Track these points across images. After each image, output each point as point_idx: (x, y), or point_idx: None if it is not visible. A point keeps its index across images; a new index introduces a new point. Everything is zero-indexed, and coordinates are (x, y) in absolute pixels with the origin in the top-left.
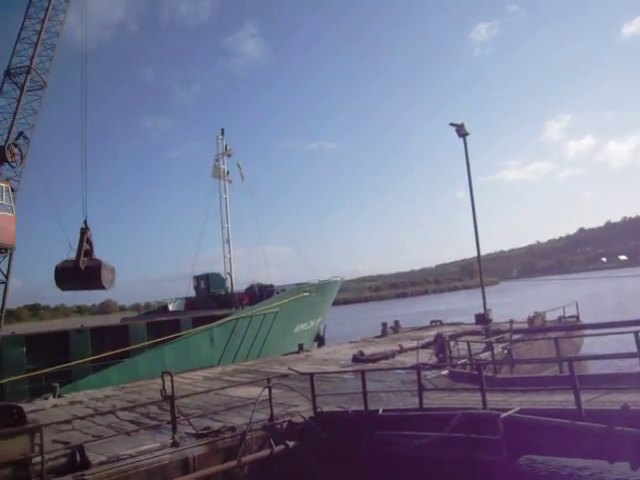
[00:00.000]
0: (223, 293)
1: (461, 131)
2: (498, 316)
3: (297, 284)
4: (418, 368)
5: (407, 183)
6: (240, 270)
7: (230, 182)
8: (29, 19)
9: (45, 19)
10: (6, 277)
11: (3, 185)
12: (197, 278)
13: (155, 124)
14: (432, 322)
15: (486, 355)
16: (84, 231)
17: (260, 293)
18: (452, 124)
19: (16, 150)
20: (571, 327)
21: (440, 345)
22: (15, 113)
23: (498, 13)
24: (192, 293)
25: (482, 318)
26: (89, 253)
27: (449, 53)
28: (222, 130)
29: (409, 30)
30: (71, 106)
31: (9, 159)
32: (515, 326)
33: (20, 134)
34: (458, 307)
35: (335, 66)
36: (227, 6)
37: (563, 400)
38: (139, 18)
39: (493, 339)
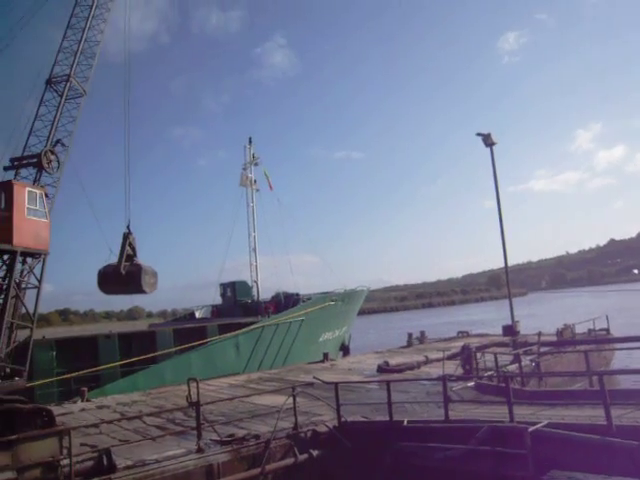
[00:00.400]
0: (249, 301)
1: (488, 141)
2: (526, 328)
3: (323, 293)
4: (444, 379)
5: (434, 193)
6: (266, 278)
7: (257, 191)
8: (71, 29)
9: (85, 28)
10: (39, 282)
11: (37, 191)
12: (223, 286)
13: (185, 133)
14: (459, 333)
15: (513, 367)
16: (126, 236)
17: (286, 301)
18: (479, 134)
19: (53, 157)
20: (601, 340)
21: (466, 356)
22: (54, 121)
23: (527, 22)
24: (218, 301)
25: (510, 330)
26: (131, 258)
27: (477, 62)
28: (250, 139)
29: (437, 38)
30: (100, 114)
31: (45, 166)
32: (543, 338)
33: (57, 141)
34: (485, 318)
35: (362, 75)
36: (256, 18)
37: (593, 415)
38: (170, 30)
39: (521, 351)
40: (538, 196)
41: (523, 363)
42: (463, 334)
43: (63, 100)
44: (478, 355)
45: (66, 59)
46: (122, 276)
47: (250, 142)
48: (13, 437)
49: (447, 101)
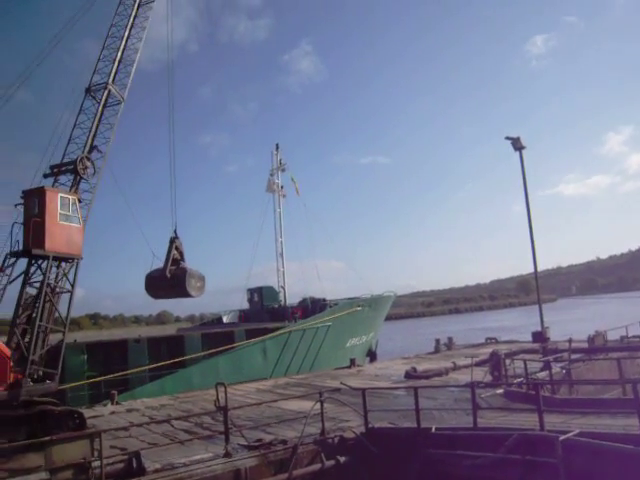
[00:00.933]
0: (276, 306)
1: (517, 145)
2: (556, 334)
3: (350, 298)
4: (472, 386)
5: (462, 198)
6: (293, 283)
7: (284, 196)
8: (110, 38)
9: (124, 37)
10: (72, 286)
11: (70, 197)
12: (251, 291)
13: (213, 140)
14: (487, 339)
15: (543, 375)
16: (173, 240)
17: (313, 307)
18: (508, 138)
19: (88, 164)
20: (635, 347)
21: (495, 363)
22: (91, 128)
23: (555, 25)
24: (246, 305)
25: (539, 336)
26: (178, 261)
27: (504, 66)
28: (277, 145)
29: (463, 44)
30: (129, 120)
31: (81, 172)
32: (574, 345)
33: (93, 148)
34: (513, 324)
35: (388, 80)
36: (283, 25)
37: (626, 424)
38: (199, 39)
39: (551, 358)
40: (568, 200)
41: (553, 370)
42: (491, 340)
43: (101, 107)
44: (507, 362)
45: (105, 67)
46: (168, 280)
47: (277, 148)
48: (46, 438)
49: (474, 105)
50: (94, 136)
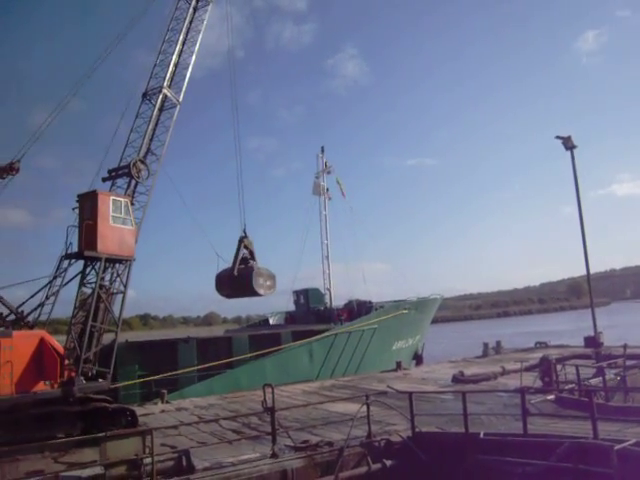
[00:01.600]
0: (322, 308)
1: (568, 144)
2: (610, 339)
3: (396, 301)
4: (522, 391)
5: (510, 199)
6: (338, 286)
7: (330, 199)
8: (167, 42)
9: (178, 41)
10: (124, 287)
11: (122, 200)
12: (297, 293)
13: (260, 145)
14: (537, 344)
15: (596, 381)
16: (241, 239)
17: (358, 309)
18: (558, 137)
19: (142, 167)
20: None
21: (546, 368)
22: (146, 132)
23: (607, 19)
24: (292, 307)
25: (592, 341)
26: (246, 260)
27: (554, 64)
28: (322, 148)
29: (511, 42)
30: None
31: (135, 175)
32: (629, 351)
33: (147, 151)
34: (565, 329)
35: (434, 82)
36: (328, 30)
37: None
38: (245, 45)
39: (604, 364)
40: (621, 200)
41: (607, 377)
42: (541, 345)
43: (156, 111)
44: (558, 367)
45: (161, 71)
46: (236, 279)
47: (322, 151)
48: (101, 434)
49: (523, 104)
50: (151, 139)
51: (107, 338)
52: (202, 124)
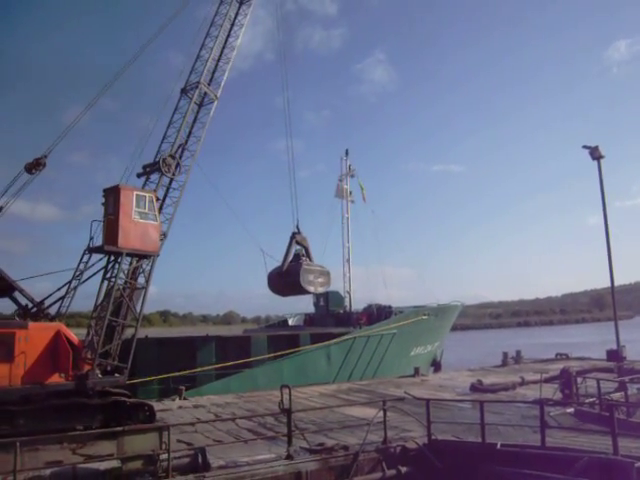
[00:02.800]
0: (341, 311)
1: (595, 154)
2: (633, 354)
3: (416, 306)
4: (541, 403)
5: (533, 207)
6: (358, 289)
7: (352, 202)
8: (209, 37)
9: (218, 35)
10: (147, 283)
11: (146, 194)
12: (317, 295)
13: (286, 147)
14: (557, 355)
15: (618, 395)
16: (293, 235)
17: (378, 313)
18: (585, 146)
19: (172, 161)
20: None
21: (566, 380)
22: (180, 127)
23: None
24: (311, 309)
25: (615, 355)
26: (298, 257)
27: (583, 73)
28: (346, 151)
29: (540, 51)
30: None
31: (164, 171)
32: None
33: (180, 146)
34: (586, 341)
35: (463, 91)
36: (357, 34)
37: None
38: (275, 48)
39: (627, 378)
40: None
41: (629, 392)
42: (562, 356)
43: (192, 105)
44: (579, 380)
45: (201, 66)
46: (284, 276)
47: (346, 154)
48: (119, 429)
49: (550, 113)
50: (188, 136)
51: (128, 333)
52: (229, 122)
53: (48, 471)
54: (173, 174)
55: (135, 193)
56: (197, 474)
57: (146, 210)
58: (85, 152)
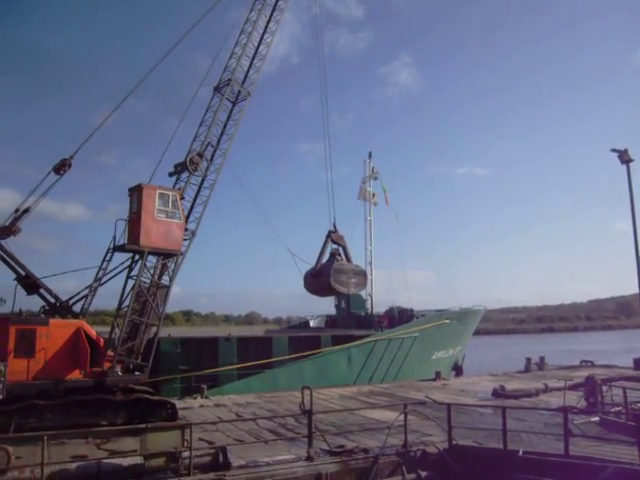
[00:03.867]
0: (363, 314)
1: (624, 157)
2: None
3: (438, 310)
4: (565, 411)
5: (560, 212)
6: (380, 292)
7: (375, 204)
8: (243, 34)
9: (252, 31)
10: (170, 281)
11: (170, 193)
12: (338, 297)
13: (311, 149)
14: (582, 362)
15: None
16: (329, 234)
17: (400, 317)
18: (614, 150)
19: (198, 160)
20: None
21: (591, 388)
22: (210, 125)
23: None
24: (333, 311)
25: None
26: (333, 256)
27: (607, 78)
28: (370, 153)
29: (563, 57)
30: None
31: (191, 170)
32: None
33: (208, 144)
34: (612, 348)
35: (486, 95)
36: (383, 38)
37: None
38: (301, 52)
39: None
40: None
41: None
42: (587, 363)
43: (222, 103)
44: (604, 388)
45: (235, 63)
46: (316, 275)
47: (370, 156)
48: (142, 426)
49: (575, 117)
50: (221, 134)
51: (152, 332)
52: (254, 124)
53: (74, 465)
54: (205, 172)
55: (158, 192)
56: (218, 472)
57: (170, 208)
58: (114, 153)
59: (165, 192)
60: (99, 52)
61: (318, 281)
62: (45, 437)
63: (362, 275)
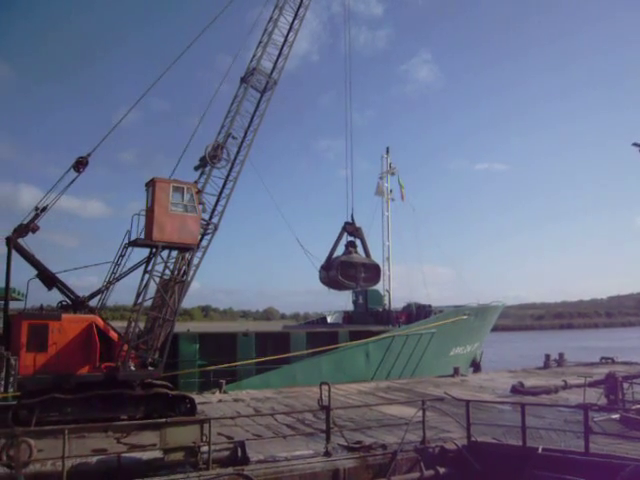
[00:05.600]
0: (380, 310)
1: None
2: None
3: (456, 306)
4: (585, 408)
5: (580, 207)
6: (398, 288)
7: (393, 200)
8: (272, 22)
9: (276, 19)
10: (186, 275)
11: (185, 186)
12: (356, 293)
13: (330, 146)
14: (602, 359)
15: None
16: (345, 226)
17: (417, 312)
18: (635, 144)
19: (220, 152)
20: None
21: (611, 385)
22: (234, 116)
23: None
24: (350, 307)
25: None
26: (349, 249)
27: (635, 74)
28: (387, 149)
29: (593, 45)
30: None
31: (211, 162)
32: None
33: (229, 135)
34: (633, 345)
35: (508, 91)
36: (403, 35)
37: None
38: (321, 49)
39: None
40: None
41: None
42: (607, 360)
43: (247, 92)
44: (625, 385)
45: (261, 52)
46: (326, 268)
47: (387, 151)
48: (162, 420)
49: (596, 108)
50: (249, 126)
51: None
52: (274, 120)
53: (94, 458)
54: (232, 164)
55: (172, 185)
56: (236, 467)
57: (184, 202)
58: (134, 151)
59: (179, 185)
60: (128, 55)
61: (328, 275)
62: (66, 431)
63: (373, 269)
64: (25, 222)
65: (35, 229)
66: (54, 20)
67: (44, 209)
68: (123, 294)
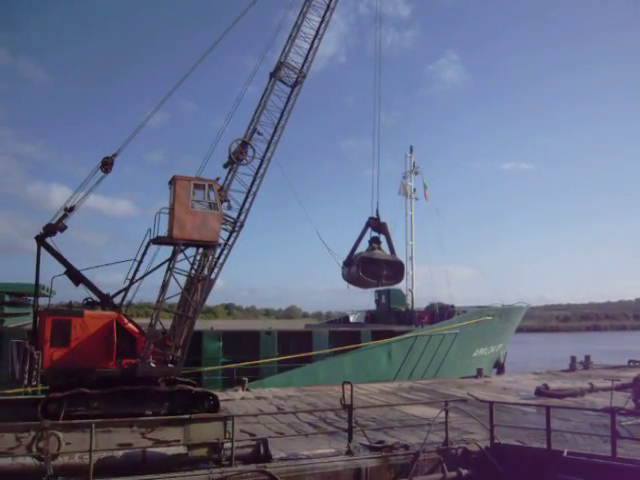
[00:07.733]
0: (403, 309)
1: None
2: None
3: (479, 307)
4: (613, 411)
5: (608, 207)
6: (421, 288)
7: (416, 200)
8: (303, 15)
9: (305, 11)
10: (208, 273)
11: (206, 183)
12: (379, 292)
13: (355, 146)
14: (630, 362)
15: None
16: (369, 221)
17: (440, 312)
18: None
19: (244, 148)
20: None
21: None
22: (261, 112)
23: None
24: (373, 306)
25: None
26: (371, 245)
27: None
28: (411, 148)
29: (619, 58)
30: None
31: (234, 158)
32: None
33: (254, 131)
34: None
35: (536, 88)
36: (430, 36)
37: None
38: (348, 51)
39: None
40: None
41: None
42: (635, 363)
43: (274, 85)
44: None
45: (289, 46)
46: (348, 265)
47: (411, 150)
48: (186, 416)
49: (629, 112)
50: (278, 123)
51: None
52: (301, 121)
53: (120, 452)
54: (261, 161)
55: (193, 182)
56: (259, 464)
57: (205, 199)
58: (162, 150)
59: (201, 182)
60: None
61: (349, 271)
62: (93, 425)
63: (398, 267)
64: (53, 222)
65: (63, 228)
66: (88, 26)
67: (71, 209)
68: (149, 292)
